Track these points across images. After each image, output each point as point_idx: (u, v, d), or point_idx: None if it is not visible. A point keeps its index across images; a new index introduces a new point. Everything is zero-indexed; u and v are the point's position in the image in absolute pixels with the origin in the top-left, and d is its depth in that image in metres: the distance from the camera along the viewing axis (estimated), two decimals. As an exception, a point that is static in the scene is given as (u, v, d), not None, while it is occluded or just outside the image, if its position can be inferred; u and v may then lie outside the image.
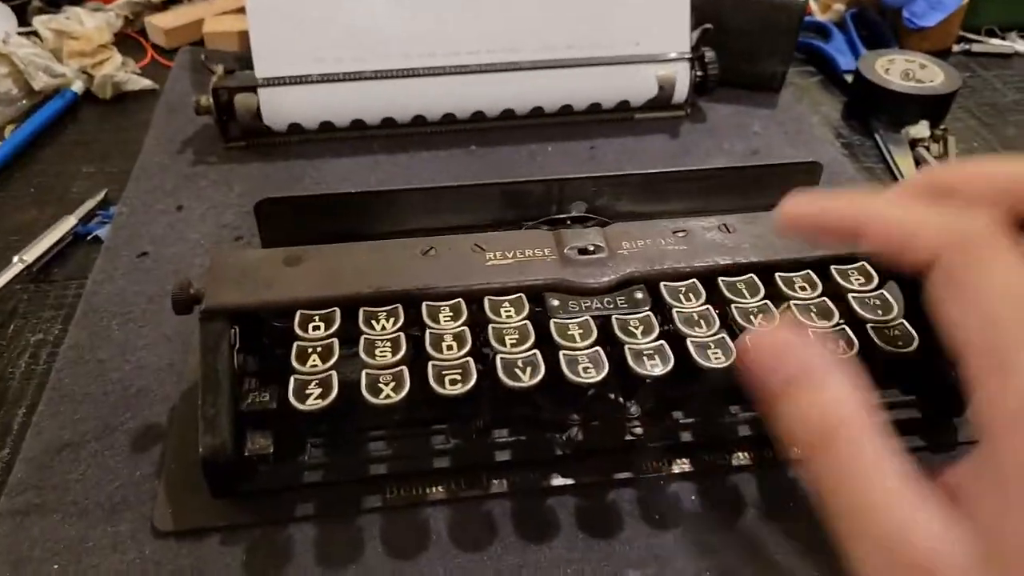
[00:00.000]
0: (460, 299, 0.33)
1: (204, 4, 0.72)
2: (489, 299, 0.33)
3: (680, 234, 0.37)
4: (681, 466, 0.35)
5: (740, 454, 0.35)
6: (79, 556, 0.31)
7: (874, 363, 0.37)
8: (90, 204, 0.50)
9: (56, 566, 0.31)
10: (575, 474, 0.34)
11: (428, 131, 0.57)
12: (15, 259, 0.45)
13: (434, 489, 0.33)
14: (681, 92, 0.58)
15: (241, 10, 0.66)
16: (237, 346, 0.32)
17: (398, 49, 0.54)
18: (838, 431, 0.19)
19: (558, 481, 0.34)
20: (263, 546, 0.31)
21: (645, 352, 0.32)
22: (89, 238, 0.48)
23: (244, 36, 0.62)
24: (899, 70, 0.61)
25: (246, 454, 0.31)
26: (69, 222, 0.48)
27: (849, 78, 0.64)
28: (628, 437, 0.35)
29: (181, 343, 0.40)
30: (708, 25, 0.57)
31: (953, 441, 0.36)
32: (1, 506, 0.33)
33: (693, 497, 0.34)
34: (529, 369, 0.31)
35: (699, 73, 0.58)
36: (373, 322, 0.32)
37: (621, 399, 0.35)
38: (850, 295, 0.34)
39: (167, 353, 0.39)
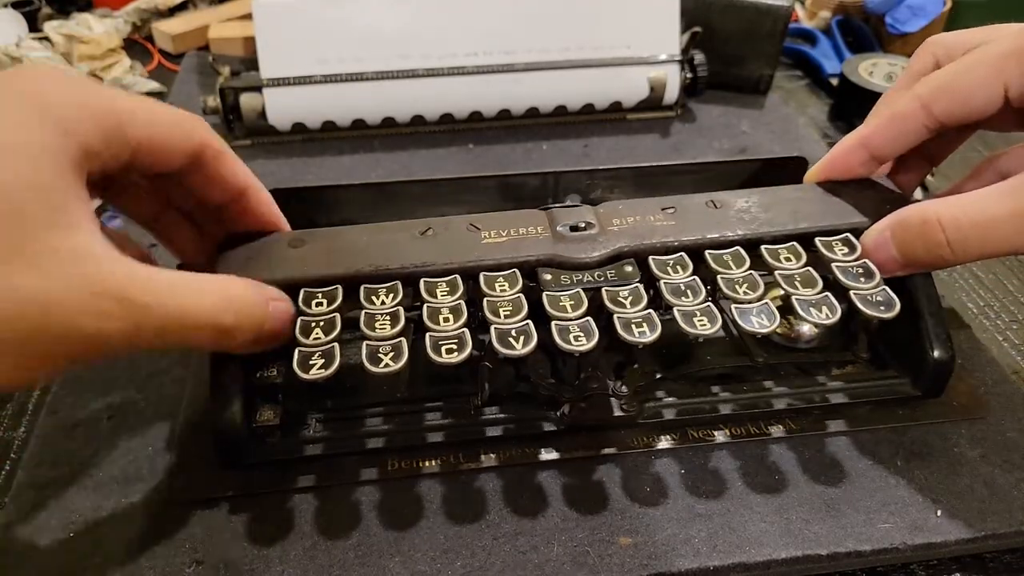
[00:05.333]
0: (456, 275, 0.34)
1: (209, 11, 0.74)
2: (484, 275, 0.34)
3: (669, 210, 0.37)
4: (667, 442, 0.36)
5: (722, 431, 0.36)
6: (94, 525, 0.32)
7: (861, 339, 0.39)
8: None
9: (71, 534, 0.32)
10: (566, 449, 0.35)
11: (427, 131, 0.59)
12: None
13: (430, 462, 0.35)
14: (671, 93, 0.60)
15: (245, 17, 0.69)
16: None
17: (398, 51, 0.56)
18: None
19: (550, 455, 0.35)
20: (269, 514, 0.33)
21: (633, 321, 0.33)
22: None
23: (248, 42, 0.63)
24: (882, 73, 0.63)
25: (254, 425, 0.33)
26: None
27: (834, 81, 0.66)
28: (616, 414, 0.36)
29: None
30: (697, 28, 0.59)
31: (939, 417, 0.37)
32: (18, 478, 0.34)
33: (682, 471, 0.35)
34: (522, 338, 0.31)
35: (689, 75, 0.60)
36: (373, 298, 0.33)
37: (610, 379, 0.37)
38: (834, 264, 0.35)
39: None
